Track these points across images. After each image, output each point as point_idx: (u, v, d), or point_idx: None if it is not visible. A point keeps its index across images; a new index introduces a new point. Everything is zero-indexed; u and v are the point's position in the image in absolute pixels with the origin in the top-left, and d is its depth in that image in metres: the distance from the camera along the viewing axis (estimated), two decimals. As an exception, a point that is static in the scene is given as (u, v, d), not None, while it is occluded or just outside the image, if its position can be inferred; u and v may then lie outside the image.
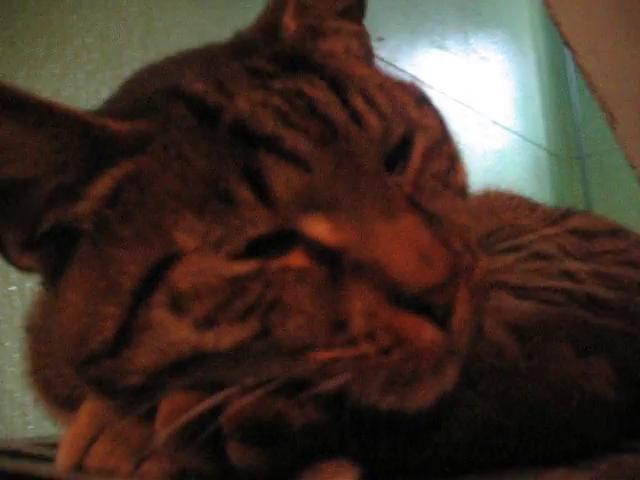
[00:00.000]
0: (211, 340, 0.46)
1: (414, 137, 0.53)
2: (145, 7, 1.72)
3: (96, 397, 0.54)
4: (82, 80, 1.54)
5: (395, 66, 2.41)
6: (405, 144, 0.52)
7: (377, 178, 0.48)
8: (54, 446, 0.58)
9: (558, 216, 0.84)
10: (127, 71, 1.72)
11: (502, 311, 0.58)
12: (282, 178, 0.46)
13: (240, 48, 0.56)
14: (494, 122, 3.29)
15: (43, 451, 0.63)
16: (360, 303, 0.45)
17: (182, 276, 0.46)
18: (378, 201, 0.46)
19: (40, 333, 0.68)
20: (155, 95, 0.52)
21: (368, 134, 0.49)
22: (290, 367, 0.46)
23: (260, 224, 0.46)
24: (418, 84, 0.60)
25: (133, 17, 1.69)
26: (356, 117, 0.49)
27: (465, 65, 3.17)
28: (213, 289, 0.46)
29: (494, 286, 0.57)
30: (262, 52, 0.54)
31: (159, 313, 0.47)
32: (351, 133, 0.48)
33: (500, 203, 0.87)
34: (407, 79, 0.61)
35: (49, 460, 0.56)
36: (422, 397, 0.46)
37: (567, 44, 1.16)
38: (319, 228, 0.47)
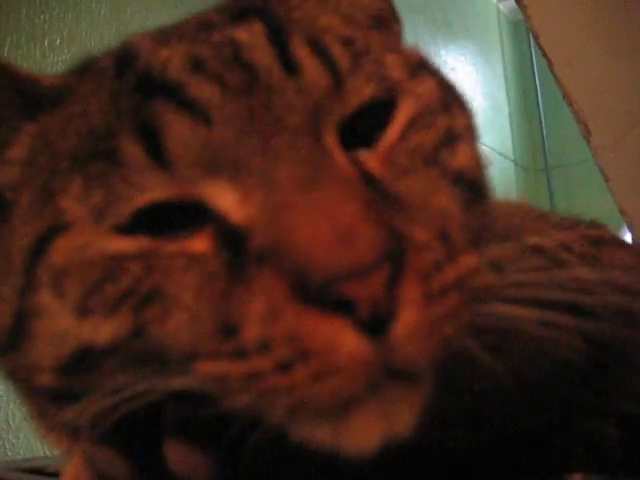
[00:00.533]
0: (87, 332, 0.38)
1: (396, 103, 0.44)
2: (115, 8, 1.69)
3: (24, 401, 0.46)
4: (50, 82, 1.49)
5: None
6: (382, 110, 0.43)
7: (302, 135, 0.38)
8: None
9: (569, 224, 0.80)
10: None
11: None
12: (178, 133, 0.38)
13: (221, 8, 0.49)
14: (463, 133, 3.32)
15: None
16: (258, 302, 0.35)
17: (62, 250, 0.39)
18: (298, 166, 0.37)
19: None
20: (105, 53, 0.47)
21: (302, 85, 0.40)
22: (172, 380, 0.36)
23: (151, 190, 0.38)
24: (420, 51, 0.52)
25: (103, 18, 1.65)
26: (291, 66, 0.41)
27: (435, 76, 3.21)
28: (88, 267, 0.39)
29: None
30: (226, 9, 0.47)
31: (44, 296, 0.40)
32: (276, 82, 0.40)
33: (509, 209, 0.83)
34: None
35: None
36: (358, 436, 0.35)
37: (545, 55, 1.17)
38: (225, 199, 0.38)
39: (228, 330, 0.35)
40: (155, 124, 0.38)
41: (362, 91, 0.42)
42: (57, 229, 0.40)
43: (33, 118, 0.45)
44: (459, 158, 0.44)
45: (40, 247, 0.40)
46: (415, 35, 3.03)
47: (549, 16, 1.15)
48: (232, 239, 0.37)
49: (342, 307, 0.33)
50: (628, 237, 1.57)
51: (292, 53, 0.41)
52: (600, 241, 0.69)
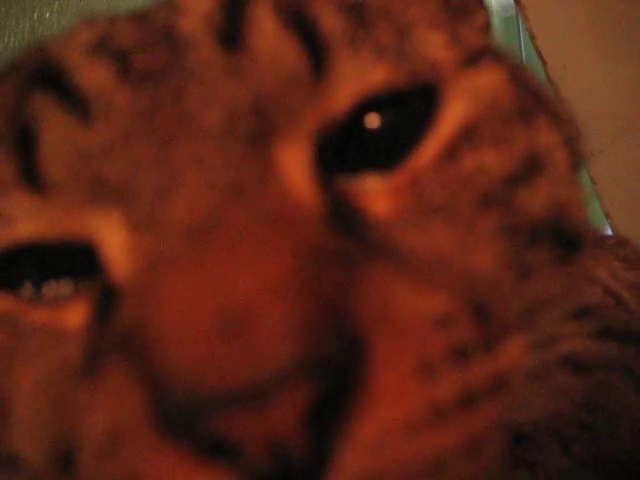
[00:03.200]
0: None
1: (439, 100, 0.29)
2: (108, -16, 1.67)
3: None
4: (37, 55, 1.48)
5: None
6: (414, 110, 0.29)
7: (227, 148, 0.25)
8: None
9: (599, 238, 0.70)
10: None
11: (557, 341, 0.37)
12: (52, 137, 0.27)
13: None
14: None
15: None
16: (103, 413, 0.23)
17: None
18: (205, 193, 0.24)
19: None
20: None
21: (246, 67, 0.27)
22: None
23: (19, 222, 0.27)
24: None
25: (95, -6, 1.63)
26: (235, 37, 0.27)
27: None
28: None
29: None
30: None
31: None
32: (202, 61, 0.27)
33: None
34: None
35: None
36: None
37: (540, 56, 1.18)
38: (114, 239, 0.26)
39: (66, 457, 0.24)
40: (32, 127, 0.27)
41: (365, 78, 0.27)
42: None
43: None
44: (537, 203, 0.29)
45: None
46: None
47: (547, 18, 1.15)
48: (109, 307, 0.25)
49: (220, 451, 0.20)
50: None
51: (243, 20, 0.27)
52: (631, 262, 0.65)
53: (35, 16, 1.50)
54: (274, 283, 0.20)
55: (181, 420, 0.20)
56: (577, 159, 0.34)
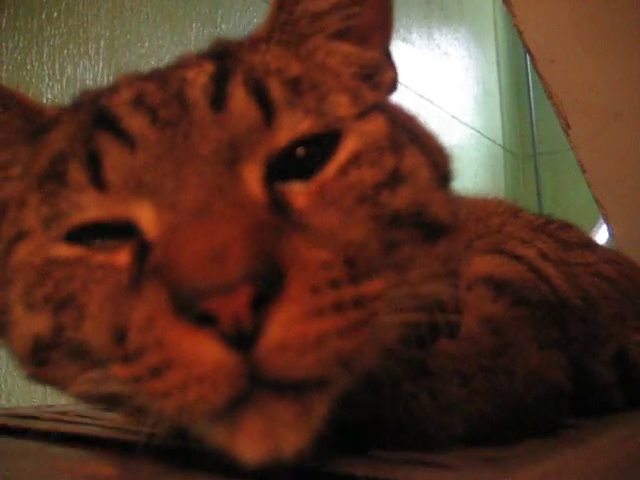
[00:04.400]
0: (34, 324, 0.45)
1: (339, 139, 0.47)
2: (113, -17, 1.70)
3: None
4: (46, 54, 1.51)
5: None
6: (326, 145, 0.46)
7: (213, 165, 0.42)
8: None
9: (540, 224, 0.86)
10: (92, 47, 1.69)
11: (479, 306, 0.55)
12: (112, 159, 0.44)
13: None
14: (453, 117, 3.35)
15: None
16: (142, 311, 0.39)
17: (20, 253, 0.47)
18: (200, 191, 0.41)
19: None
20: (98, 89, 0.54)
21: (225, 120, 0.44)
22: (98, 381, 0.42)
23: (88, 208, 0.45)
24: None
25: (101, -7, 1.67)
26: (219, 102, 0.45)
27: (428, 59, 3.22)
28: (30, 269, 0.46)
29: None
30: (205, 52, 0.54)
31: (12, 292, 0.47)
32: (200, 115, 0.44)
33: (488, 209, 0.88)
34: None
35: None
36: (245, 448, 0.38)
37: (528, 51, 1.21)
38: (146, 217, 0.43)
39: (120, 336, 0.40)
40: (98, 152, 0.45)
41: (298, 126, 0.46)
42: (20, 235, 0.48)
43: (31, 142, 0.52)
44: (398, 201, 0.46)
45: (9, 249, 0.48)
46: (409, 17, 3.04)
47: (534, 14, 1.18)
48: (144, 254, 0.42)
49: (206, 321, 0.36)
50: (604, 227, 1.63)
51: (225, 91, 0.46)
52: (569, 244, 0.76)
53: (43, 16, 1.54)
54: (237, 236, 0.37)
55: (186, 305, 0.36)
56: (443, 175, 0.52)
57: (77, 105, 0.52)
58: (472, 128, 3.56)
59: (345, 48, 0.55)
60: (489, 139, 3.74)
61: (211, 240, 0.37)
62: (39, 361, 0.46)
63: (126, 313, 0.40)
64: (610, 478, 0.44)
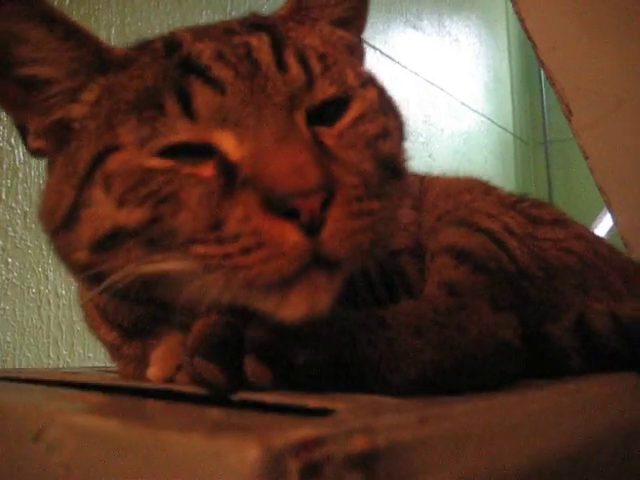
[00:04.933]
0: (122, 217, 0.57)
1: (350, 101, 0.64)
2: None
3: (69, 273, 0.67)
4: (58, 42, 1.53)
5: (369, 44, 2.44)
6: (342, 105, 0.63)
7: (282, 110, 0.58)
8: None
9: (512, 201, 0.91)
10: (103, 35, 1.71)
11: (441, 273, 0.71)
12: (203, 97, 0.57)
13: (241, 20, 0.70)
14: (463, 104, 3.36)
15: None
16: (238, 209, 0.53)
17: (115, 162, 0.58)
18: (276, 126, 0.56)
19: None
20: (157, 38, 0.67)
21: (287, 79, 0.59)
22: (179, 258, 0.55)
23: (180, 132, 0.57)
24: (377, 79, 0.71)
25: (111, -19, 1.69)
26: (282, 66, 0.60)
27: (438, 46, 3.22)
28: (130, 174, 0.57)
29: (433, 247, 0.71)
30: (245, 21, 0.68)
31: (96, 191, 0.59)
32: (271, 73, 0.59)
33: (459, 187, 0.94)
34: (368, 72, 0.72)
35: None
36: (293, 305, 0.53)
37: (530, 38, 1.22)
38: (228, 143, 0.57)
39: (216, 225, 0.54)
40: (189, 91, 0.58)
41: (327, 90, 0.62)
42: (113, 148, 0.59)
43: (103, 74, 0.64)
44: (386, 147, 0.65)
45: (99, 158, 0.59)
46: (419, 4, 3.04)
47: (535, 1, 1.19)
48: (228, 170, 0.56)
49: (291, 215, 0.51)
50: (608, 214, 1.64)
51: (284, 58, 0.61)
52: (539, 220, 0.81)
53: (55, 4, 1.55)
54: (310, 159, 0.53)
55: (277, 204, 0.51)
56: (404, 134, 0.71)
57: (143, 49, 0.64)
58: (482, 115, 3.56)
59: (340, 32, 0.72)
60: (500, 126, 3.74)
61: (293, 160, 0.52)
62: (108, 245, 0.58)
63: (224, 210, 0.53)
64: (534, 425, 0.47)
